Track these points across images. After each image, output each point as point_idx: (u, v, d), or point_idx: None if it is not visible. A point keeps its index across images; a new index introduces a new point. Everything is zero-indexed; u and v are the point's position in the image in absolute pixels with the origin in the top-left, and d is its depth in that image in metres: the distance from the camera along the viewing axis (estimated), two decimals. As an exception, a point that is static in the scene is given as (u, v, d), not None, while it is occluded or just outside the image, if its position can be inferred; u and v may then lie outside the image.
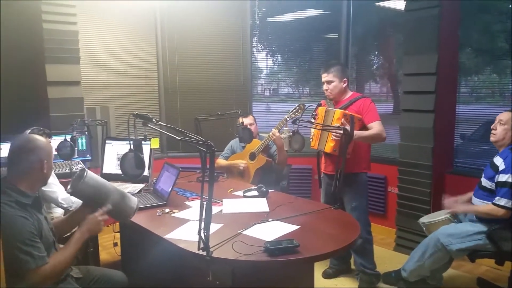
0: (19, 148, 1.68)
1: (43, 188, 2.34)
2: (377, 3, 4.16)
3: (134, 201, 1.90)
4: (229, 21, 4.31)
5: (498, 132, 2.47)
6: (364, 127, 2.68)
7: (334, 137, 2.54)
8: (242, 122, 3.17)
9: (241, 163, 3.34)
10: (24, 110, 3.51)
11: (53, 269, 1.60)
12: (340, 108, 2.70)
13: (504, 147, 2.46)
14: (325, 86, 2.80)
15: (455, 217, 2.60)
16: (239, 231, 1.88)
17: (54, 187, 2.44)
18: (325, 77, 2.78)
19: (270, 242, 1.68)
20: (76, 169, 3.09)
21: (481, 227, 2.40)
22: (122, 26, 4.08)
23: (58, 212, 2.66)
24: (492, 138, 2.52)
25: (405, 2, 3.42)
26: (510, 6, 3.48)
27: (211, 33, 4.32)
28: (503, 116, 2.47)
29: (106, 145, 3.11)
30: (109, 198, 1.79)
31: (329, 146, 2.59)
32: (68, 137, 2.75)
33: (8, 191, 1.62)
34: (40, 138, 1.73)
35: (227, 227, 1.97)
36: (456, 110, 3.53)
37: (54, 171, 2.81)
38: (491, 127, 2.53)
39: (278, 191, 2.88)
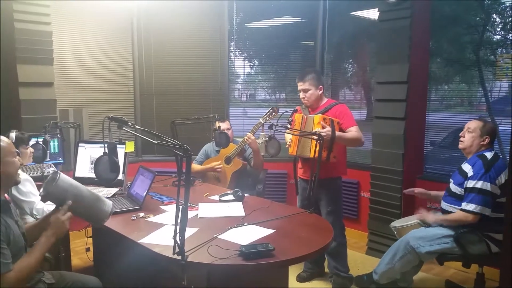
0: None
1: (21, 198, 2.28)
2: (352, 13, 4.26)
3: (109, 204, 1.86)
4: (207, 25, 4.31)
5: (466, 139, 2.57)
6: (341, 132, 2.72)
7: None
8: (219, 127, 3.18)
9: (217, 165, 3.34)
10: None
11: (17, 276, 1.54)
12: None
13: (472, 154, 2.55)
14: (301, 95, 2.83)
15: (425, 222, 2.68)
16: (214, 235, 1.89)
17: (33, 197, 2.33)
18: (301, 85, 2.82)
19: (246, 246, 1.69)
20: (48, 172, 3.02)
21: (449, 231, 2.49)
22: (98, 27, 4.01)
23: (32, 219, 2.58)
24: (460, 145, 2.61)
25: (378, 12, 3.53)
26: (478, 19, 3.65)
27: (188, 36, 4.30)
28: (471, 124, 2.57)
29: (79, 148, 3.06)
30: (83, 201, 1.76)
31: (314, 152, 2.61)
32: (40, 140, 2.68)
33: None
34: (3, 138, 1.64)
35: (203, 231, 1.97)
36: (426, 117, 3.65)
37: (29, 175, 2.72)
38: (460, 134, 2.62)
39: (254, 195, 2.90)
